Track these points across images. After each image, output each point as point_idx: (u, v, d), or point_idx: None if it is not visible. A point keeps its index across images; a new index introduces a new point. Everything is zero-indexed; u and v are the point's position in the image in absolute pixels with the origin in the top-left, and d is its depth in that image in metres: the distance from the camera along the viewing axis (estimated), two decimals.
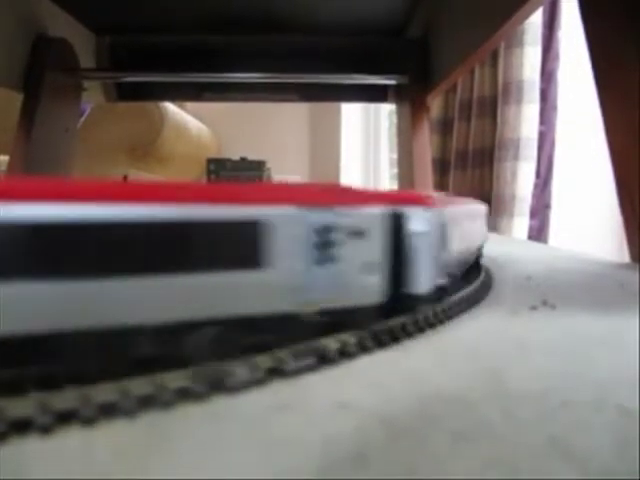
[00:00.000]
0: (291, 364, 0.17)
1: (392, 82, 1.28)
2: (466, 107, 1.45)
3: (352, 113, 2.39)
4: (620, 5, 0.40)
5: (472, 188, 1.44)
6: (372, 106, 2.34)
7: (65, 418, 0.13)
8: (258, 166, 1.00)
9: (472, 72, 1.41)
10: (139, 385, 0.14)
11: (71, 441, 0.12)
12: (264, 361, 0.16)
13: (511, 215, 1.30)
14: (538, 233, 1.33)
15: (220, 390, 0.15)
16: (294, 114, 2.27)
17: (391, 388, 0.17)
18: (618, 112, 0.40)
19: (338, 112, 2.34)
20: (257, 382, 0.16)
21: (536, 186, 1.31)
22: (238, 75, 1.34)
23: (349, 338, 0.19)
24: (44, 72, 1.12)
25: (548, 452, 0.12)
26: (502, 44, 1.26)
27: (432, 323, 0.23)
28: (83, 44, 1.34)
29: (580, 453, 0.12)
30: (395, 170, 1.65)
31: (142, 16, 1.32)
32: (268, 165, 1.04)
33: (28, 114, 1.10)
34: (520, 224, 1.30)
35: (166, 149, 1.66)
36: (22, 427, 0.13)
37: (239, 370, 0.16)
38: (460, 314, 0.25)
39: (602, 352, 0.20)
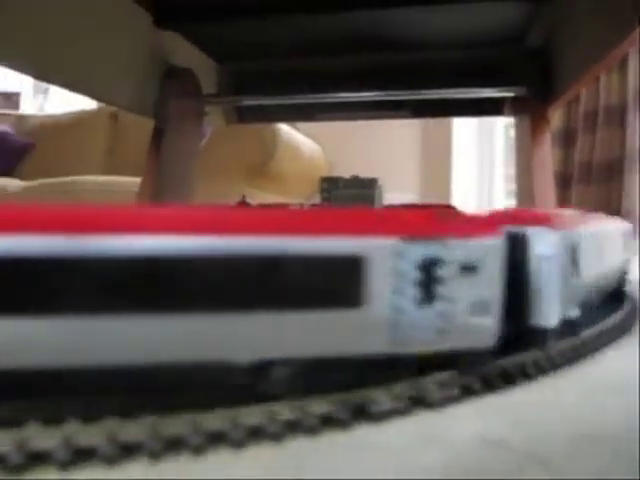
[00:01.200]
0: (435, 394, 0.16)
1: (510, 94, 1.23)
2: (591, 117, 1.36)
3: (464, 127, 2.33)
4: None
5: (597, 203, 1.34)
6: (486, 120, 2.27)
7: (215, 439, 0.13)
8: (370, 184, 1.00)
9: (597, 79, 1.32)
10: (283, 410, 0.14)
11: (220, 462, 0.13)
12: (407, 390, 0.16)
13: None
14: None
15: (363, 418, 0.15)
16: (405, 130, 2.25)
17: (536, 425, 0.16)
18: None
19: (450, 127, 2.29)
20: (400, 411, 0.15)
21: None
22: (349, 94, 1.36)
23: (492, 371, 0.18)
24: (171, 100, 1.21)
25: None
26: (633, 49, 1.17)
27: (567, 358, 0.21)
28: (206, 72, 1.43)
29: None
30: (512, 186, 1.58)
31: (259, 43, 1.38)
32: (380, 183, 1.04)
33: (157, 138, 1.19)
34: None
35: (279, 169, 1.72)
36: (175, 445, 0.13)
37: (382, 398, 0.15)
38: (599, 348, 0.23)
39: None
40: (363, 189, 0.99)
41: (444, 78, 1.31)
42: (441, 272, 0.18)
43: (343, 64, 1.43)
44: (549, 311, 0.19)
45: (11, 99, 2.68)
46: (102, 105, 2.13)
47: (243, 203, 1.03)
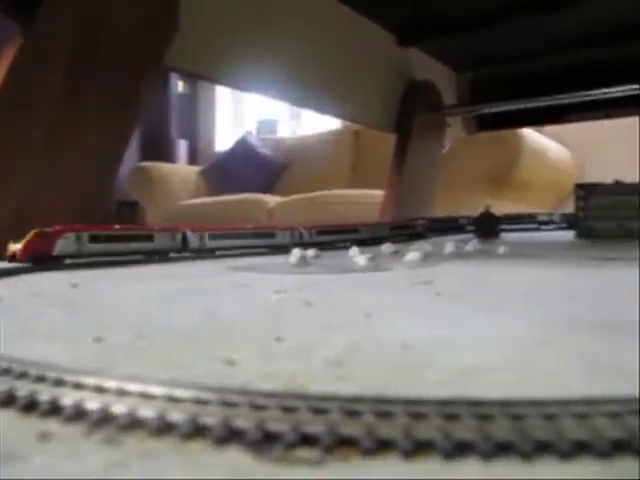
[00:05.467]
0: None
1: None
2: None
3: None
4: None
5: None
6: None
7: (539, 448, 0.13)
8: (636, 190, 0.89)
9: None
10: (608, 427, 0.13)
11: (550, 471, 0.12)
12: None
13: None
14: None
15: None
16: None
17: None
18: None
19: None
20: None
21: None
22: (599, 91, 1.23)
23: None
24: (414, 114, 1.24)
25: None
26: None
27: None
28: (445, 83, 1.44)
29: None
30: None
31: (498, 48, 1.34)
32: None
33: (400, 152, 1.23)
34: None
35: (523, 177, 1.63)
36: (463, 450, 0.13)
37: None
38: None
39: None
40: (627, 195, 0.88)
41: None
42: None
43: (590, 58, 1.30)
44: None
45: (269, 125, 3.06)
46: (346, 124, 2.29)
47: (487, 213, 1.00)
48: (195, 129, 2.98)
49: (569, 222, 0.99)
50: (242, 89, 1.18)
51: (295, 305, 0.35)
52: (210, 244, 0.69)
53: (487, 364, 0.21)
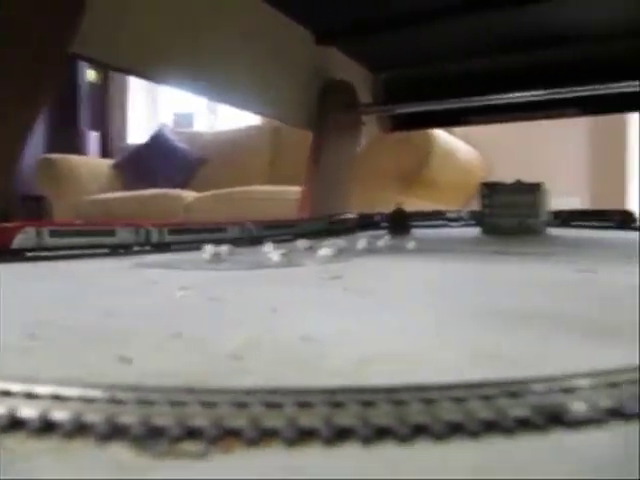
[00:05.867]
0: (631, 407, 0.15)
1: None
2: None
3: None
4: None
5: None
6: None
7: (417, 431, 0.14)
8: (535, 189, 0.95)
9: None
10: (482, 409, 0.14)
11: (427, 454, 0.13)
12: (603, 400, 0.15)
13: None
14: None
15: (558, 425, 0.14)
16: (570, 130, 2.10)
17: None
18: None
19: (623, 123, 2.09)
20: (596, 421, 0.15)
21: None
22: (507, 95, 1.30)
23: None
24: (330, 112, 1.25)
25: None
26: None
27: None
28: (361, 82, 1.47)
29: None
30: None
31: (412, 51, 1.39)
32: (546, 187, 0.98)
33: (317, 150, 1.24)
34: None
35: (433, 176, 1.70)
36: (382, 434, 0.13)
37: (578, 406, 0.15)
38: None
39: None
40: (527, 194, 0.94)
41: (617, 71, 1.20)
42: None
43: (501, 64, 1.37)
44: None
45: (186, 119, 2.99)
46: (265, 120, 2.28)
47: (399, 210, 1.04)
48: (107, 120, 2.86)
49: (476, 219, 1.04)
50: (156, 82, 1.14)
51: (200, 301, 0.35)
52: (169, 239, 0.71)
53: (380, 354, 0.21)
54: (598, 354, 0.22)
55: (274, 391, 0.15)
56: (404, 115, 1.53)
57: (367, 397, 0.14)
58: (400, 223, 1.01)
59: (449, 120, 1.62)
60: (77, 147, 2.61)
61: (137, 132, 2.91)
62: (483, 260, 0.62)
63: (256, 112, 1.30)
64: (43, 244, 0.58)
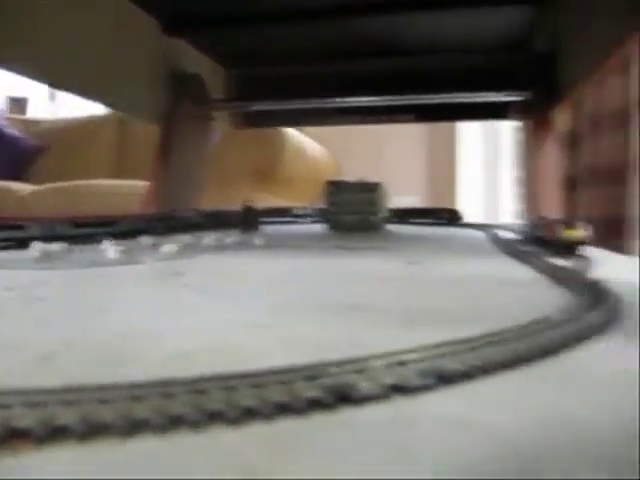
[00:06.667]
0: (414, 382, 0.17)
1: (515, 99, 1.24)
2: (596, 120, 1.36)
3: (470, 131, 2.34)
4: None
5: (604, 207, 1.34)
6: (492, 123, 2.28)
7: (213, 417, 0.14)
8: (375, 188, 1.01)
9: (602, 83, 1.32)
10: (275, 393, 0.15)
11: (221, 438, 0.14)
12: (386, 377, 0.17)
13: None
14: None
15: (347, 402, 0.16)
16: (411, 134, 2.26)
17: (510, 409, 0.16)
18: None
19: (455, 131, 2.30)
20: (380, 397, 0.16)
21: None
22: (355, 99, 1.37)
23: (473, 361, 0.19)
24: (179, 105, 1.22)
25: None
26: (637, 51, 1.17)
27: (552, 349, 0.22)
28: (213, 77, 1.45)
29: None
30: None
31: (266, 49, 1.40)
32: (385, 186, 1.05)
33: (165, 144, 1.21)
34: None
35: (287, 173, 1.74)
36: (176, 423, 0.14)
37: (365, 385, 0.16)
38: (584, 340, 0.24)
39: None
40: (368, 192, 1.00)
41: (450, 83, 1.32)
42: None
43: (350, 69, 1.44)
44: None
45: (19, 104, 2.72)
46: (111, 110, 2.16)
47: (248, 206, 1.04)
48: None
49: (322, 215, 1.08)
50: None
51: (24, 302, 0.33)
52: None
53: (205, 347, 0.22)
54: (402, 337, 0.24)
55: (70, 390, 0.14)
56: (256, 112, 1.54)
57: (167, 390, 0.15)
58: (249, 220, 1.02)
59: (300, 119, 1.66)
60: None
61: None
62: (324, 255, 0.65)
63: (98, 101, 1.22)
64: None
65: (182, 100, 1.23)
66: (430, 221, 1.15)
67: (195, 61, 1.37)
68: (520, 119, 1.30)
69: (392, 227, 1.08)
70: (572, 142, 1.52)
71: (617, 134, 1.30)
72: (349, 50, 1.38)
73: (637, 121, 1.19)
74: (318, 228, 1.07)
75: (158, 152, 1.22)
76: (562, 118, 1.51)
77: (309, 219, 1.18)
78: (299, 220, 1.18)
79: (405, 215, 1.18)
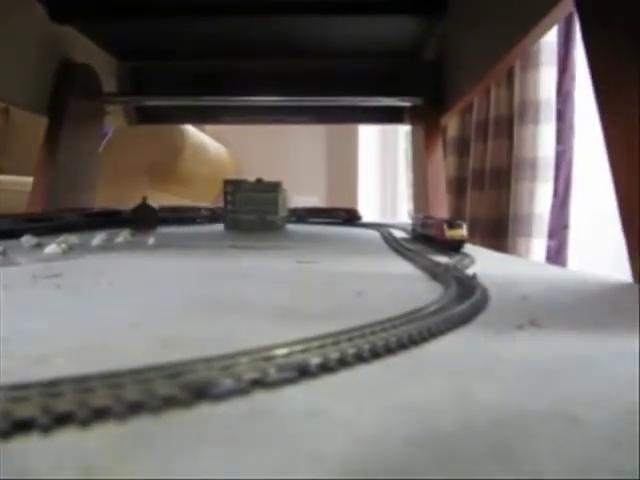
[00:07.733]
0: (273, 376, 0.18)
1: (407, 104, 1.30)
2: (483, 127, 1.46)
3: (369, 134, 2.41)
4: (620, 23, 0.41)
5: (489, 208, 1.44)
6: (390, 127, 2.36)
7: (63, 420, 0.14)
8: (275, 188, 1.02)
9: (488, 92, 1.42)
10: (131, 392, 0.15)
11: (67, 441, 0.14)
12: (248, 373, 0.18)
13: (529, 236, 1.30)
14: (556, 254, 1.31)
15: (204, 398, 0.16)
16: (312, 135, 2.30)
17: (362, 400, 0.18)
18: (619, 131, 0.41)
19: (355, 133, 2.37)
20: (240, 392, 0.17)
21: (554, 206, 1.30)
22: (256, 98, 1.37)
23: (332, 353, 0.20)
24: (68, 97, 1.16)
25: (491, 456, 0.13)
26: (518, 64, 1.27)
27: (415, 341, 0.24)
28: (106, 70, 1.39)
29: (519, 457, 0.13)
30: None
31: (163, 42, 1.36)
32: (285, 186, 1.06)
33: (53, 137, 1.14)
34: (538, 245, 1.29)
35: (185, 170, 1.70)
36: (25, 427, 0.14)
37: (224, 380, 0.17)
38: (448, 331, 0.26)
39: (572, 370, 0.21)
40: (267, 192, 1.01)
41: (349, 86, 1.36)
42: None
43: (250, 68, 1.44)
44: None
45: None
46: None
47: (144, 204, 1.01)
48: None
49: (220, 215, 1.07)
50: None
51: None
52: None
53: (65, 349, 0.21)
54: (276, 335, 0.25)
55: None
56: (152, 108, 1.49)
57: (17, 394, 0.14)
58: (145, 218, 0.99)
59: (197, 117, 1.63)
60: None
61: None
62: (216, 254, 0.64)
63: None
64: None
65: (72, 91, 1.17)
66: (329, 221, 1.17)
67: (86, 51, 1.31)
68: (412, 124, 1.36)
69: (291, 227, 1.10)
70: (461, 147, 1.62)
71: (501, 140, 1.40)
72: (249, 49, 1.38)
73: (519, 128, 1.29)
74: (215, 228, 1.06)
75: (44, 145, 1.15)
76: (452, 124, 1.60)
77: (207, 218, 1.17)
78: (197, 219, 1.16)
79: (305, 215, 1.20)
